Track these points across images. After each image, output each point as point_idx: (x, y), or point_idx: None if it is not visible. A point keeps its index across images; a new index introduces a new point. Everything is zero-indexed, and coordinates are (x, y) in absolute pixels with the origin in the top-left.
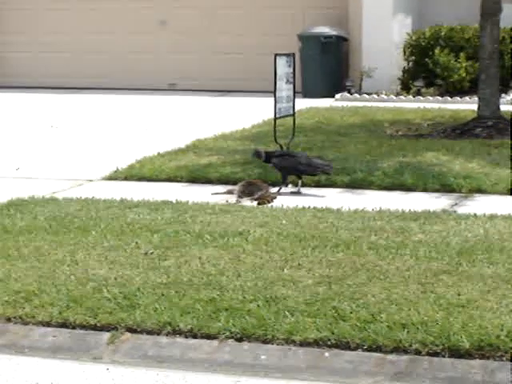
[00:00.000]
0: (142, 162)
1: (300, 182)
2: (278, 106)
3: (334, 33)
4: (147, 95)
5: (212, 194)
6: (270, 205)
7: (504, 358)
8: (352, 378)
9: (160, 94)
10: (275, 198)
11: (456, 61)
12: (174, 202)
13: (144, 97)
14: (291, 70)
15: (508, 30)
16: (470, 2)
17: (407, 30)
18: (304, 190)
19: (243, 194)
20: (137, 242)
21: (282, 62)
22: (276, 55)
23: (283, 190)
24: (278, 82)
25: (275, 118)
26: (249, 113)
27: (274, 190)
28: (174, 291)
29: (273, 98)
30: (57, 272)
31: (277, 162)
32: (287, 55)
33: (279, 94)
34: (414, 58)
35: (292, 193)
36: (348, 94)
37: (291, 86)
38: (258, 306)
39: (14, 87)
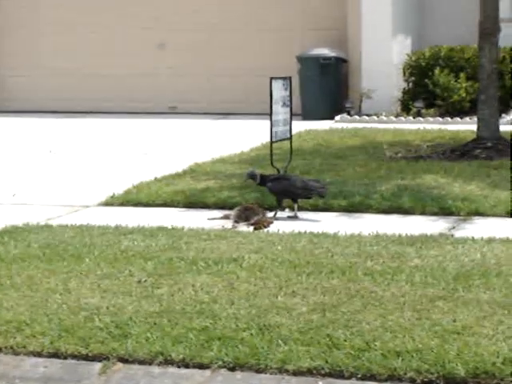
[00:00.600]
0: (138, 187)
1: (296, 205)
2: (275, 129)
3: (333, 54)
4: (147, 119)
5: (208, 219)
6: (266, 230)
7: None
8: None
9: (160, 117)
10: (272, 222)
11: (456, 81)
12: (170, 227)
13: (144, 120)
14: (288, 94)
15: (508, 50)
16: (469, 21)
17: (407, 51)
18: (301, 214)
19: (239, 218)
20: (130, 270)
21: (277, 86)
22: (272, 78)
23: (280, 214)
24: (274, 106)
25: (271, 142)
26: (248, 136)
27: (271, 214)
28: (167, 320)
29: None
30: (49, 301)
31: (271, 185)
32: (283, 78)
33: (275, 117)
34: (413, 78)
35: (289, 217)
36: (347, 116)
37: (288, 109)
38: (251, 334)
39: (13, 111)
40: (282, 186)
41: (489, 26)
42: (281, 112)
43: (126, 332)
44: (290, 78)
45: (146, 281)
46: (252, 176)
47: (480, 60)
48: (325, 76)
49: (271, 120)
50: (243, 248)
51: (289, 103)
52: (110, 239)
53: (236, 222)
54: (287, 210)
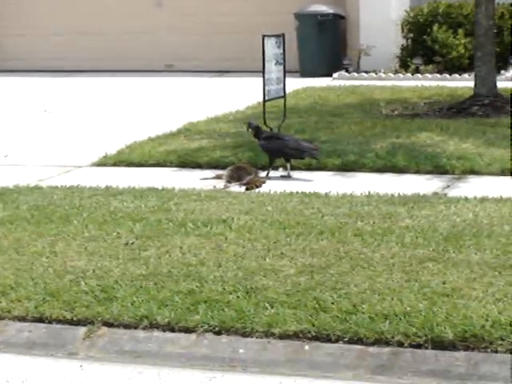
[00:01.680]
0: (131, 147)
1: (289, 165)
2: (267, 88)
3: (330, 11)
4: (144, 77)
5: (200, 179)
6: (257, 190)
7: (489, 350)
8: (332, 371)
9: (157, 75)
10: (264, 182)
11: (455, 37)
12: (160, 188)
13: (140, 79)
14: (281, 51)
15: (507, 6)
16: None
17: (405, 7)
18: (294, 174)
19: (232, 178)
20: (118, 232)
21: (270, 43)
22: (264, 36)
23: (273, 173)
24: (266, 64)
25: (264, 101)
26: (244, 94)
27: (263, 174)
28: (153, 283)
29: None
30: (35, 264)
31: (263, 143)
32: (276, 36)
33: (268, 75)
34: (412, 35)
35: (282, 177)
36: (346, 73)
37: (281, 67)
38: (238, 297)
39: (9, 71)
40: (275, 145)
41: None
42: (274, 70)
43: (111, 296)
44: (283, 35)
45: (133, 243)
46: (249, 125)
47: (476, 16)
48: (323, 33)
49: (264, 78)
50: (233, 209)
51: (282, 61)
52: (100, 201)
53: (228, 181)
54: (280, 169)
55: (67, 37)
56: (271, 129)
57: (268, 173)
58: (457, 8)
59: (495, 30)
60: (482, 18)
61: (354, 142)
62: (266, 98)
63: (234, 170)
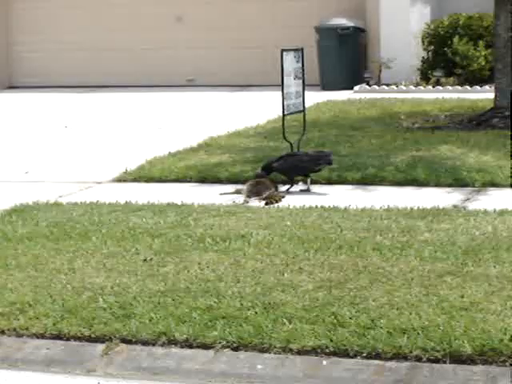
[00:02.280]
0: (151, 163)
1: (309, 180)
2: (287, 102)
3: (351, 24)
4: (165, 92)
5: (220, 194)
6: (277, 205)
7: (507, 364)
8: None
9: (178, 90)
10: (283, 197)
11: (475, 49)
12: (179, 204)
13: (161, 94)
14: (300, 65)
15: None
16: None
17: (426, 20)
18: (314, 188)
19: (251, 193)
20: (137, 248)
21: (289, 58)
22: (283, 50)
23: (293, 188)
24: (285, 78)
25: (283, 115)
26: (265, 108)
27: (284, 188)
28: (171, 299)
29: None
30: (53, 281)
31: (277, 165)
32: (295, 50)
33: (287, 90)
34: (432, 47)
35: (301, 191)
36: (367, 86)
37: (300, 81)
38: (256, 313)
39: (31, 87)
40: (289, 163)
41: None
42: (293, 84)
43: (129, 312)
44: (302, 49)
45: (151, 259)
46: (260, 176)
47: (495, 28)
48: (343, 46)
49: (283, 93)
50: (252, 224)
51: (301, 75)
52: (119, 216)
53: (248, 196)
54: (300, 183)
55: (89, 52)
56: (291, 144)
57: (289, 188)
58: (477, 20)
59: None
60: (501, 30)
61: (374, 156)
62: (286, 112)
63: (253, 184)
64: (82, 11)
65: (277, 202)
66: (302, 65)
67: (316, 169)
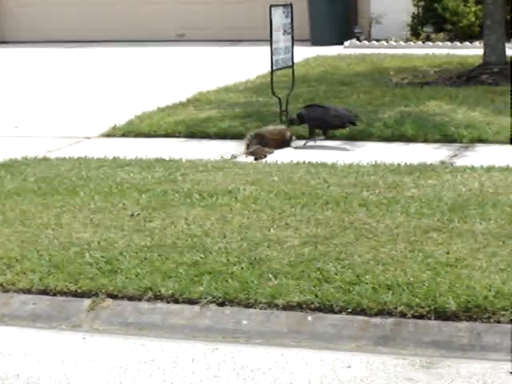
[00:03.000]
0: (140, 118)
1: (323, 137)
2: (275, 57)
3: None
4: (155, 47)
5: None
6: (265, 160)
7: (491, 320)
8: (334, 342)
9: (168, 45)
10: (271, 152)
11: (465, 5)
12: (167, 159)
13: (151, 49)
14: (289, 21)
15: None
16: None
17: None
18: (299, 143)
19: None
20: (124, 203)
21: (278, 13)
22: (271, 6)
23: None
24: (274, 34)
25: (272, 71)
26: (255, 63)
27: (301, 143)
28: (157, 255)
29: None
30: (40, 236)
31: (302, 112)
32: (284, 5)
33: (276, 45)
34: (423, 3)
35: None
36: (357, 41)
37: (289, 36)
38: (242, 268)
39: (22, 42)
40: (316, 113)
41: None
42: (282, 40)
43: (115, 267)
44: (290, 4)
45: (138, 214)
46: (292, 122)
47: None
48: (334, 1)
49: (271, 48)
50: (239, 180)
51: (290, 31)
52: (107, 172)
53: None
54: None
55: (79, 7)
56: (279, 99)
57: (306, 142)
58: None
59: None
60: None
61: (363, 111)
62: (274, 67)
63: (251, 137)
64: None
65: (265, 157)
66: (291, 20)
67: (341, 126)
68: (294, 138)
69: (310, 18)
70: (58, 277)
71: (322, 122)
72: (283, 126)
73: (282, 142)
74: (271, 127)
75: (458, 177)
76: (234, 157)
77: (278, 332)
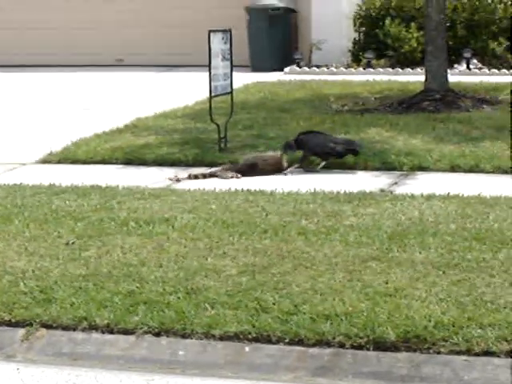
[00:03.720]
0: (77, 144)
1: (323, 163)
2: (214, 83)
3: (281, 4)
4: (93, 72)
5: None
6: (203, 187)
7: (431, 351)
8: (272, 373)
9: (107, 70)
10: (237, 177)
11: (407, 31)
12: (104, 186)
13: (90, 74)
14: (228, 47)
15: None
16: None
17: (357, 1)
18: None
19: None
20: (59, 232)
21: (216, 39)
22: (210, 32)
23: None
24: (212, 60)
25: (211, 97)
26: (194, 89)
27: (290, 169)
28: (93, 284)
29: None
30: None
31: (304, 137)
32: (223, 31)
33: (215, 71)
34: (364, 29)
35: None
36: (297, 68)
37: (228, 63)
38: (178, 298)
39: None
40: (317, 140)
41: None
42: (220, 66)
43: (50, 297)
44: (230, 30)
45: (74, 243)
46: (289, 147)
47: (427, 10)
48: (274, 27)
49: (210, 74)
50: (176, 207)
51: (229, 57)
52: (42, 199)
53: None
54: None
55: (17, 31)
56: (218, 125)
57: (297, 167)
58: (409, 1)
59: (448, 24)
60: (433, 12)
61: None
62: (213, 94)
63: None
64: None
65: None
66: (230, 46)
67: (341, 154)
68: (288, 166)
69: (250, 43)
70: None
71: (323, 149)
72: (278, 154)
73: (278, 170)
74: (267, 154)
75: (398, 205)
76: (178, 179)
77: (214, 363)
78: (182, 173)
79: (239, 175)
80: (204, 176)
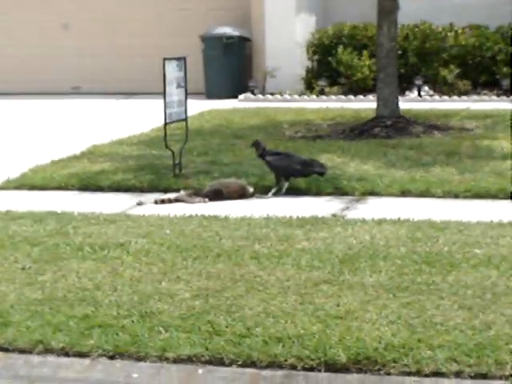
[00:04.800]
0: (34, 171)
1: (287, 184)
2: (169, 111)
3: (236, 33)
4: (50, 99)
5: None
6: (157, 213)
7: (382, 372)
8: None
9: (63, 98)
10: (204, 202)
11: (359, 59)
12: (60, 212)
13: (47, 101)
14: (182, 75)
15: (412, 27)
16: None
17: (311, 29)
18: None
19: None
20: (15, 256)
21: (171, 67)
22: (165, 59)
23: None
24: (167, 87)
25: (165, 124)
26: (150, 116)
27: (269, 194)
28: (48, 308)
29: None
30: None
31: (272, 160)
32: (177, 59)
33: (169, 98)
34: (317, 57)
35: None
36: (251, 95)
37: (183, 90)
38: (133, 321)
39: None
40: (284, 162)
41: (387, 4)
42: (175, 93)
43: (6, 320)
44: (184, 58)
45: (30, 267)
46: (256, 145)
47: (378, 38)
48: (228, 55)
49: (165, 101)
50: (131, 232)
51: (183, 84)
52: None
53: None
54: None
55: None
56: (173, 152)
57: (275, 192)
58: (362, 30)
59: (399, 52)
60: (384, 40)
61: (256, 164)
62: (168, 120)
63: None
64: None
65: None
66: (185, 73)
67: (308, 173)
68: (254, 192)
69: (205, 71)
70: None
71: (290, 171)
72: (242, 181)
73: (243, 197)
74: (231, 181)
75: (349, 229)
76: (140, 203)
77: None
78: (143, 198)
79: (206, 200)
80: (170, 201)
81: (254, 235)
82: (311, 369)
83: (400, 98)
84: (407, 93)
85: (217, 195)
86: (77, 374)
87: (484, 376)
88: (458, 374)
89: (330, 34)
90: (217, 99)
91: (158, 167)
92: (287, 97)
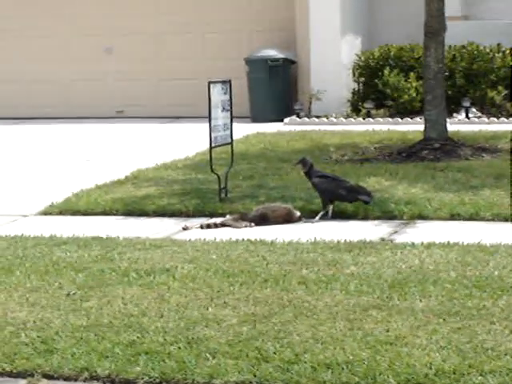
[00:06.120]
0: (78, 195)
1: (331, 207)
2: (214, 134)
3: (281, 56)
4: (94, 124)
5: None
6: (203, 238)
7: None
8: None
9: (107, 122)
10: (250, 226)
11: (406, 81)
12: (104, 237)
13: (91, 125)
14: (228, 98)
15: (459, 48)
16: (420, 19)
17: (356, 51)
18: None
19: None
20: (60, 282)
21: (216, 90)
22: (210, 83)
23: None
24: (212, 110)
25: (211, 148)
26: (194, 140)
27: (316, 218)
28: (93, 334)
29: None
30: None
31: (318, 182)
32: (222, 82)
33: (215, 122)
34: (363, 79)
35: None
36: (297, 118)
37: (228, 113)
38: (179, 348)
39: None
40: (330, 185)
41: (434, 25)
42: (220, 117)
43: (51, 347)
44: (229, 81)
45: (75, 293)
46: (303, 162)
47: (425, 59)
48: (273, 78)
49: (210, 125)
50: (177, 257)
51: (229, 107)
52: (43, 250)
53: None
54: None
55: (18, 84)
56: (218, 176)
57: (322, 215)
58: (408, 51)
59: (446, 73)
60: (431, 61)
61: (302, 188)
62: (213, 144)
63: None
64: (11, 42)
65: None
66: (230, 97)
67: (353, 200)
68: (301, 217)
69: (250, 94)
70: None
71: (335, 195)
72: (288, 206)
73: (289, 221)
74: (277, 205)
75: (398, 253)
76: (186, 228)
77: None
78: (188, 223)
79: (252, 224)
80: (216, 225)
81: (301, 260)
82: None
83: (448, 120)
84: (455, 115)
85: (263, 219)
86: None
87: None
88: None
89: (376, 56)
90: (262, 122)
91: (204, 191)
92: (333, 120)
